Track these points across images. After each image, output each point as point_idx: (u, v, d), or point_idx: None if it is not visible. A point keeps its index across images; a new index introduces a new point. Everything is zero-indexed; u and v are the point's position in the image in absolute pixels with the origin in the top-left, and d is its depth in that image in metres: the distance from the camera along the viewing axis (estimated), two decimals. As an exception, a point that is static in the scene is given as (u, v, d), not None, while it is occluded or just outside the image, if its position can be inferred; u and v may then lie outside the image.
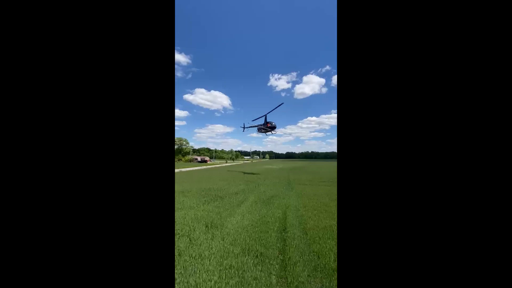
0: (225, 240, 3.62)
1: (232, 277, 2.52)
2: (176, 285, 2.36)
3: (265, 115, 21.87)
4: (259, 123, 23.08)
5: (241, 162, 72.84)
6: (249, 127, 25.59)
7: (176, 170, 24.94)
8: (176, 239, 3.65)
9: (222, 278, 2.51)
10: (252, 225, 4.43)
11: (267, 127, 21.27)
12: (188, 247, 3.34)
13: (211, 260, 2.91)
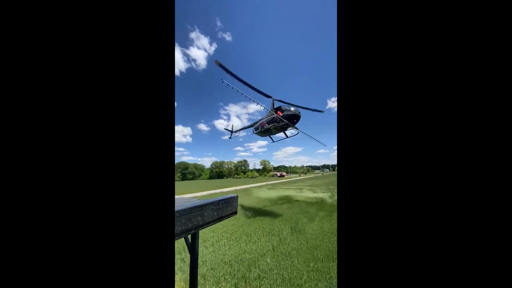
0: (308, 244, 3.25)
1: (320, 280, 2.16)
2: (272, 275, 2.32)
3: (272, 100, 6.98)
4: (262, 118, 7.85)
5: (312, 175, 66.34)
6: (241, 129, 10.67)
7: (263, 183, 26.06)
8: (269, 237, 3.69)
9: (311, 278, 2.21)
10: (332, 232, 3.74)
11: (279, 119, 6.35)
12: (279, 245, 3.27)
13: (298, 259, 2.67)
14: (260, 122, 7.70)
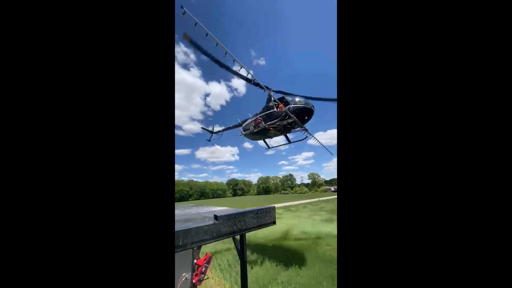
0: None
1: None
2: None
3: (271, 92, 4.73)
4: (256, 114, 5.30)
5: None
6: (224, 130, 8.43)
7: (315, 199, 23.19)
8: (327, 266, 3.22)
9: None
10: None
11: (285, 114, 4.11)
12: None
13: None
14: (253, 119, 5.18)
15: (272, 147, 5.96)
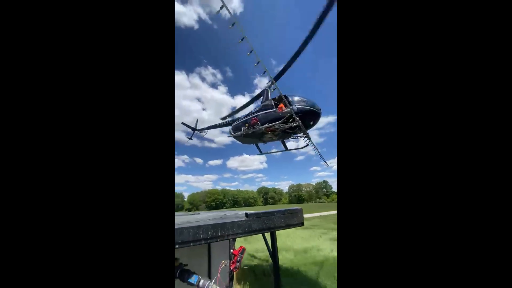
0: None
1: None
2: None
3: (269, 87, 3.89)
4: (250, 113, 4.29)
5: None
6: (209, 127, 6.97)
7: None
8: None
9: None
10: None
11: (290, 116, 3.31)
12: None
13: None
14: (247, 119, 4.33)
15: (266, 153, 5.07)
